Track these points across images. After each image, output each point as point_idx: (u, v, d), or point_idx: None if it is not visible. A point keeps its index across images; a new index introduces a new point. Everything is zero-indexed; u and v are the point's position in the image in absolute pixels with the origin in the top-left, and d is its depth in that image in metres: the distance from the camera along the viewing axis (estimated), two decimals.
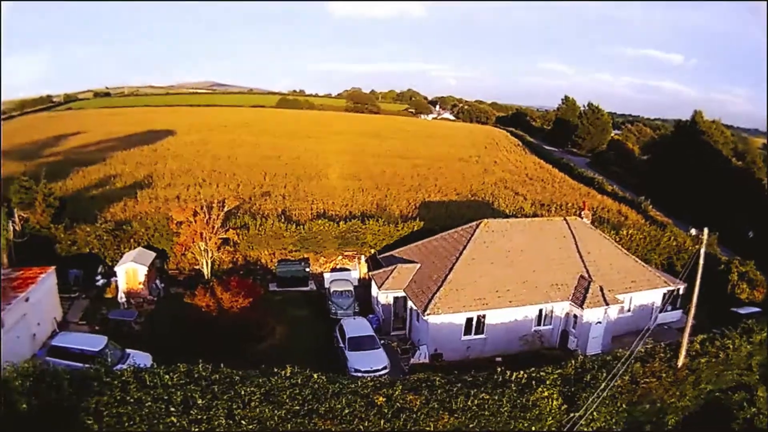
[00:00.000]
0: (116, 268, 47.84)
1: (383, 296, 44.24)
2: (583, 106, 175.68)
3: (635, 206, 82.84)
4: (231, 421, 22.20)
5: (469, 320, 40.78)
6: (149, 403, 22.20)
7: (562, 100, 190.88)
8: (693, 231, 32.52)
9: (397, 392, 24.86)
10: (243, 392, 23.54)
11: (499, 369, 27.43)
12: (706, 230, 30.80)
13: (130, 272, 47.00)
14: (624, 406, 26.49)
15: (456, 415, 24.01)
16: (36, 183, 54.04)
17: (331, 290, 48.83)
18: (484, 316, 41.05)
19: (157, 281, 49.64)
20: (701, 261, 30.21)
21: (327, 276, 52.73)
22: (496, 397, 25.22)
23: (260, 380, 24.73)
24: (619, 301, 43.57)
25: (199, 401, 22.63)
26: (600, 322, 42.14)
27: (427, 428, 23.54)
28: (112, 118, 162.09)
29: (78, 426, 21.42)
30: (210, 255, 50.81)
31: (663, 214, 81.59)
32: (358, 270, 54.60)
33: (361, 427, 22.87)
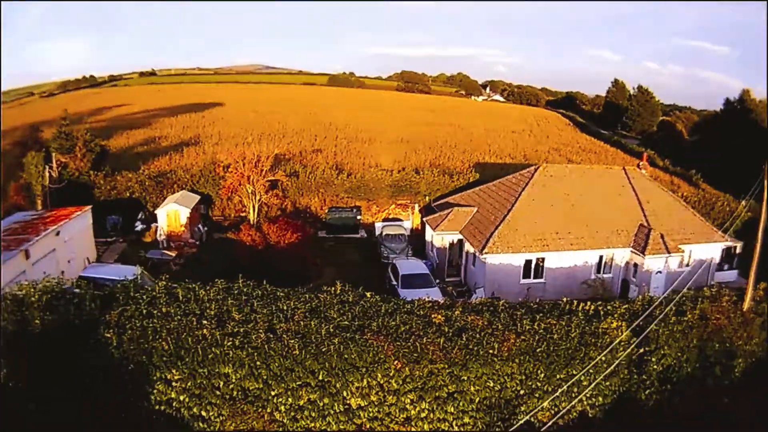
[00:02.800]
0: (157, 211, 45.42)
1: (438, 239, 41.54)
2: (633, 89, 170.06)
3: (686, 178, 79.00)
4: (271, 335, 19.27)
5: (528, 262, 38.10)
6: (179, 317, 19.40)
7: (612, 83, 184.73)
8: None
9: (456, 312, 22.13)
10: (286, 307, 20.85)
11: (564, 299, 24.46)
12: None
13: (172, 214, 44.53)
14: (695, 341, 23.40)
15: (523, 338, 21.01)
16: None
17: (384, 233, 45.99)
18: (543, 260, 38.24)
19: (200, 225, 47.14)
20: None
21: (378, 225, 49.71)
22: (564, 323, 22.21)
23: (307, 296, 22.18)
24: (680, 250, 40.17)
25: (236, 315, 19.86)
26: (660, 272, 39.07)
27: (491, 350, 20.50)
28: (157, 93, 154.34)
29: (96, 340, 18.64)
30: (258, 198, 47.71)
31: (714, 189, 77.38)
32: (411, 220, 51.55)
33: (419, 344, 19.86)
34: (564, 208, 41.13)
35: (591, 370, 21.50)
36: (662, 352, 22.80)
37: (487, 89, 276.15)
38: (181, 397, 19.03)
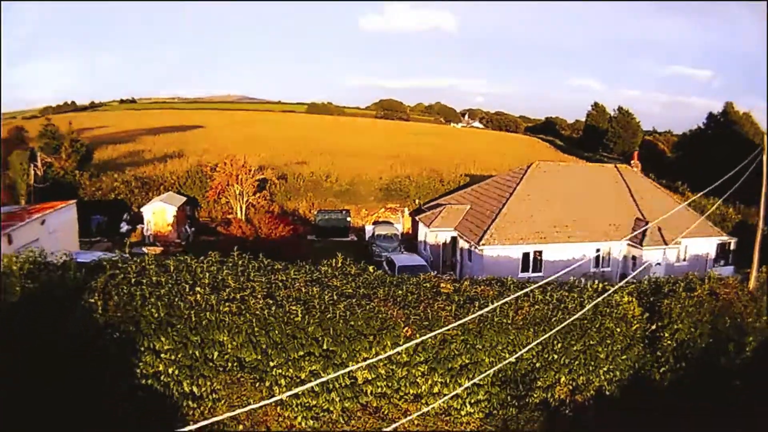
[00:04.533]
0: (143, 208, 43.97)
1: (432, 236, 40.21)
2: (614, 111, 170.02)
3: (673, 189, 78.37)
4: (271, 300, 17.51)
5: (526, 255, 36.77)
6: (170, 285, 17.66)
7: (592, 106, 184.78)
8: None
9: (465, 284, 20.72)
10: (285, 277, 19.25)
11: (572, 278, 23.07)
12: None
13: (158, 212, 43.04)
14: (707, 316, 22.19)
15: (537, 307, 19.48)
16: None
17: (376, 233, 44.41)
18: (540, 253, 36.83)
19: (187, 227, 45.55)
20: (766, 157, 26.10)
21: (369, 228, 48.02)
22: (576, 294, 20.79)
23: (307, 267, 20.67)
24: (677, 242, 39.04)
25: (232, 283, 18.16)
26: (659, 264, 37.93)
27: (505, 318, 18.90)
28: (139, 117, 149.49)
29: (81, 307, 16.77)
30: (245, 199, 46.14)
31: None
32: (401, 223, 49.99)
33: (430, 311, 18.20)
34: (559, 202, 40.11)
35: (608, 341, 20.12)
36: (675, 326, 21.63)
37: (466, 116, 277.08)
38: (170, 370, 16.89)
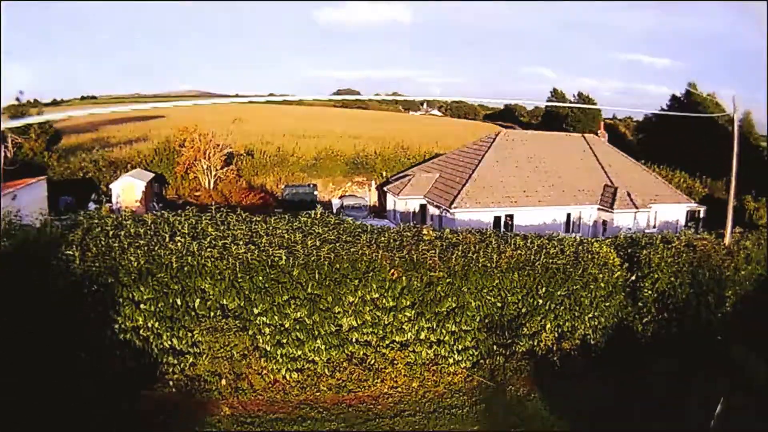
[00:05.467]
0: (111, 185, 42.64)
1: (401, 204, 39.71)
2: (573, 96, 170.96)
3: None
4: (253, 246, 16.86)
5: (498, 219, 36.46)
6: (149, 236, 17.00)
7: (551, 92, 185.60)
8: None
9: (446, 231, 20.64)
10: (265, 225, 18.77)
11: (551, 233, 22.97)
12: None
13: (127, 188, 41.76)
14: (686, 267, 22.05)
15: (520, 252, 19.14)
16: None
17: (344, 204, 43.96)
18: (512, 217, 36.57)
19: (155, 202, 44.39)
20: (736, 131, 26.23)
21: (336, 201, 47.46)
22: (556, 242, 20.66)
23: (286, 217, 20.20)
24: (648, 206, 39.16)
25: (212, 231, 17.62)
26: (630, 228, 37.66)
27: (489, 262, 18.49)
28: (99, 111, 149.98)
29: (57, 260, 15.92)
30: (214, 174, 45.19)
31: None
32: (368, 197, 49.46)
33: (415, 254, 17.71)
34: (528, 169, 39.90)
35: (592, 286, 19.86)
36: (655, 275, 21.41)
37: (425, 105, 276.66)
38: (150, 323, 16.14)
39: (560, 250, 20.19)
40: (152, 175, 45.37)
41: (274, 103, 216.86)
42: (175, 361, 16.67)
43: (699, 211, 45.19)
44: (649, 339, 21.29)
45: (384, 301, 17.29)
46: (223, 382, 16.90)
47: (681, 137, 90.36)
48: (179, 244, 16.54)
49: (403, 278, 17.25)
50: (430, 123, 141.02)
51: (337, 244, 17.51)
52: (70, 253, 15.97)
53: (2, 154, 42.24)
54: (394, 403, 17.56)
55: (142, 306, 16.10)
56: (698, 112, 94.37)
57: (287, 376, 17.30)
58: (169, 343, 16.48)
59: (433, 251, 18.13)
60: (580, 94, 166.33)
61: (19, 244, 16.07)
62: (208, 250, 16.48)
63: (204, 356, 16.62)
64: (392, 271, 17.14)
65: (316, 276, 16.67)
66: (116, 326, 16.05)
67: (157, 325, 16.26)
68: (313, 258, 16.76)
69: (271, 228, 18.39)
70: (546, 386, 18.83)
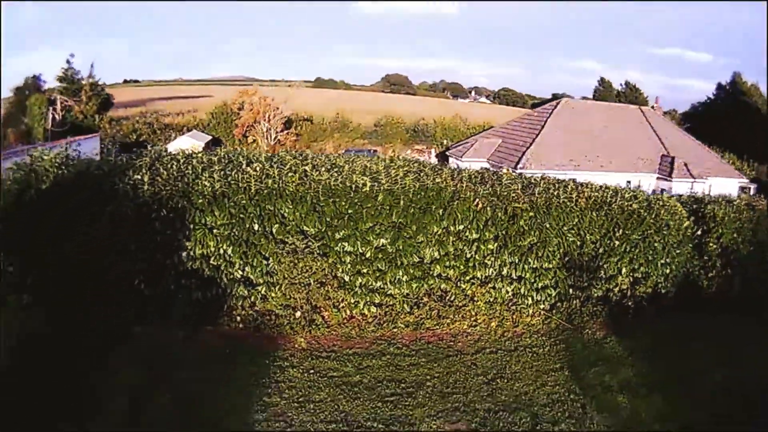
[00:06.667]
0: (169, 145, 41.44)
1: (465, 166, 39.43)
2: (621, 85, 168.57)
3: None
4: (335, 173, 16.76)
5: None
6: (224, 163, 17.22)
7: (599, 81, 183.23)
8: None
9: (524, 174, 20.57)
10: (345, 158, 19.07)
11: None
12: None
13: (184, 148, 41.39)
14: (747, 224, 21.80)
15: (595, 194, 19.09)
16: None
17: None
18: (574, 181, 36.22)
19: None
20: None
21: None
22: (627, 189, 21.39)
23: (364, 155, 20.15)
24: (704, 178, 39.42)
25: (290, 160, 17.68)
26: None
27: (569, 201, 18.36)
28: (144, 91, 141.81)
29: (123, 184, 15.36)
30: (274, 137, 44.93)
31: None
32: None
33: (498, 188, 17.61)
34: (590, 136, 40.06)
35: (664, 231, 19.36)
36: (720, 230, 21.33)
37: (473, 93, 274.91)
38: (222, 249, 15.54)
39: (633, 195, 19.94)
40: (209, 137, 45.05)
41: (322, 87, 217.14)
42: (246, 293, 16.08)
43: (750, 189, 44.68)
44: (714, 294, 20.99)
45: (468, 233, 16.96)
46: (298, 314, 16.41)
47: (725, 125, 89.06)
48: (259, 167, 16.36)
49: (488, 209, 16.97)
50: (481, 108, 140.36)
51: (421, 174, 17.38)
52: (138, 177, 15.53)
53: (49, 117, 42.32)
54: (474, 341, 17.21)
55: (215, 230, 15.54)
56: (743, 102, 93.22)
57: (365, 311, 16.87)
58: (241, 272, 15.90)
59: (516, 186, 17.97)
60: (627, 83, 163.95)
61: (78, 172, 15.98)
62: (289, 175, 16.20)
63: (278, 287, 16.13)
64: (477, 201, 16.90)
65: (401, 203, 16.37)
66: (184, 254, 15.47)
67: (230, 251, 15.67)
68: (397, 186, 16.57)
69: (350, 161, 18.28)
70: (621, 332, 18.61)
